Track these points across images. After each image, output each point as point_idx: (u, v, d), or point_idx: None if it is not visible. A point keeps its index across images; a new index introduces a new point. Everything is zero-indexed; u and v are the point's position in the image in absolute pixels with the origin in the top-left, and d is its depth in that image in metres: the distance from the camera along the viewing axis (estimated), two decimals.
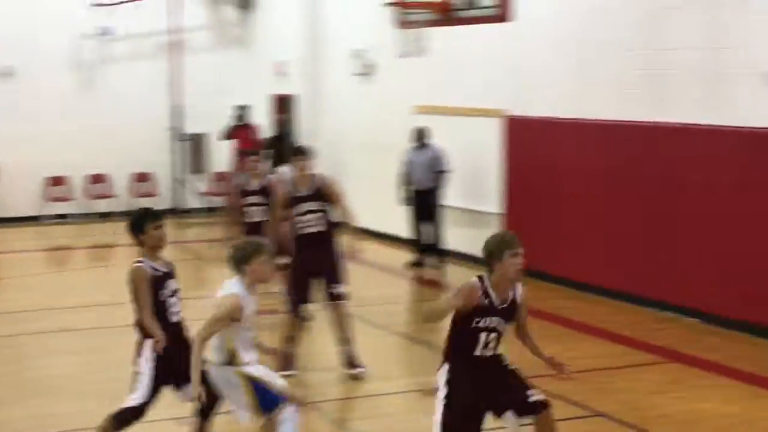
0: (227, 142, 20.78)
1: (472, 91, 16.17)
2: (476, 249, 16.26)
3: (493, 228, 15.61)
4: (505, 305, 6.79)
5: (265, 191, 12.30)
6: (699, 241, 12.48)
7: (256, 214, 12.25)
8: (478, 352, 6.79)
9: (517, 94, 15.24)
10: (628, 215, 13.36)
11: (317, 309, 11.40)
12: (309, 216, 10.46)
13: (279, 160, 17.79)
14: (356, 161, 18.97)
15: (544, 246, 14.62)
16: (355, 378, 10.21)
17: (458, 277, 15.35)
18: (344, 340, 10.49)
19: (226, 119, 20.76)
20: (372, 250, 16.22)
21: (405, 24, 17.10)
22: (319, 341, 11.35)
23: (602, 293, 13.40)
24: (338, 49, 19.60)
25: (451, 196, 16.09)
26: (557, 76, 14.55)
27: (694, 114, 12.50)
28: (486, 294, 6.71)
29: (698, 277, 12.50)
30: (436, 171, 15.82)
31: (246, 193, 12.45)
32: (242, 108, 20.78)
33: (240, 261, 7.23)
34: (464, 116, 16.21)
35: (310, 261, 10.34)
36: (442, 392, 6.80)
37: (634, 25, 13.38)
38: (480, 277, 6.75)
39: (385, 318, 12.74)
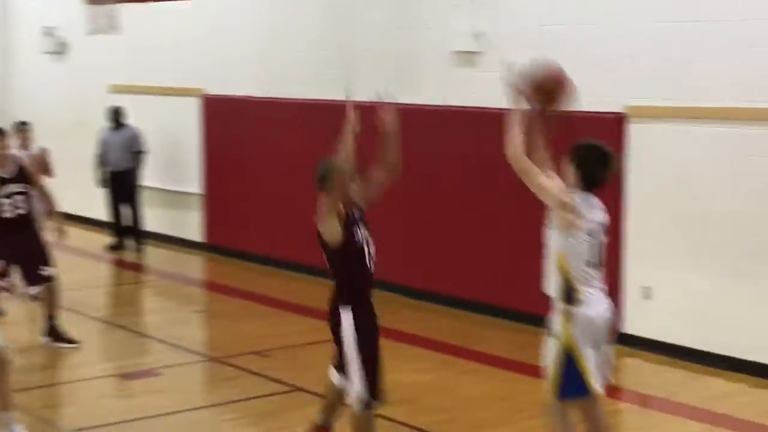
0: None
1: (169, 70, 16.00)
2: (177, 230, 16.35)
3: (194, 209, 15.60)
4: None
5: None
6: (388, 216, 12.91)
7: None
8: (369, 265, 7.17)
9: (214, 72, 15.24)
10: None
11: (17, 296, 11.15)
12: (11, 199, 10.18)
13: None
14: (52, 142, 18.38)
15: (243, 225, 14.78)
16: (67, 349, 10.41)
17: (158, 259, 15.29)
18: (52, 315, 10.51)
19: None
20: (71, 233, 15.87)
21: (95, 0, 16.71)
22: (19, 329, 11.08)
23: (300, 270, 13.64)
24: (28, 27, 18.97)
25: (150, 177, 15.93)
26: (250, 55, 14.63)
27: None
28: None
29: (388, 251, 12.92)
30: (133, 151, 15.60)
31: None
32: None
33: None
34: (162, 95, 16.06)
35: (11, 247, 10.10)
36: (352, 336, 6.94)
37: (323, 4, 13.67)
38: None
39: (83, 302, 12.51)
